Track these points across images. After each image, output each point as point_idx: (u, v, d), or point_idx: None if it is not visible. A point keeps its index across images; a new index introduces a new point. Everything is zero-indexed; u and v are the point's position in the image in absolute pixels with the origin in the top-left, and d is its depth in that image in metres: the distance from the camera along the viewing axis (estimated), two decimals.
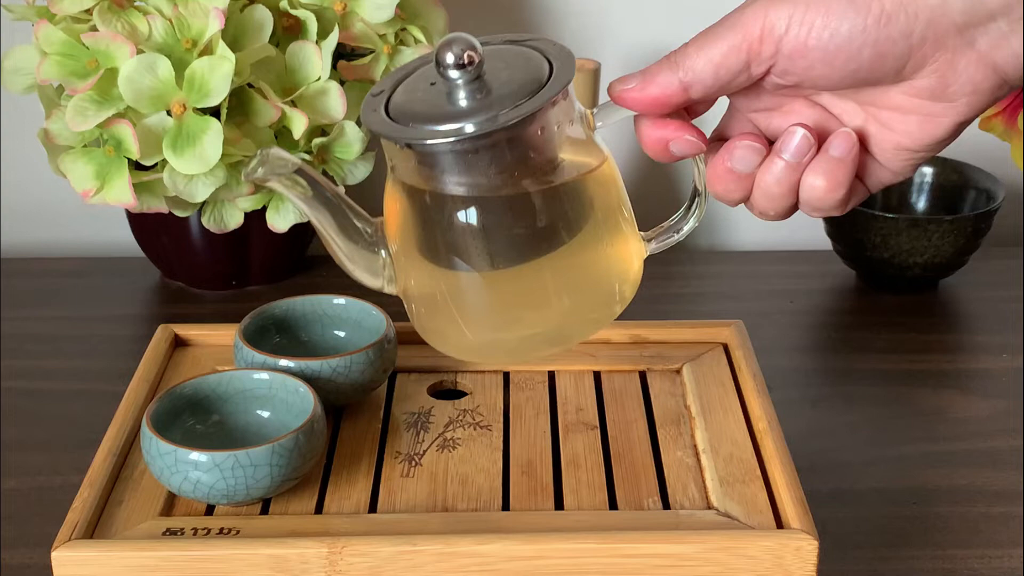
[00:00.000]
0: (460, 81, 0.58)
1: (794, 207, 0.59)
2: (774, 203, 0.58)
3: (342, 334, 0.75)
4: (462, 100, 0.58)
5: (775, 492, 0.65)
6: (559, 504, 0.65)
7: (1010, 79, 0.53)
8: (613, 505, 0.65)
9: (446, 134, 0.57)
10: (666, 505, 0.65)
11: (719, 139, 0.60)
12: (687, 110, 0.59)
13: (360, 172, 0.95)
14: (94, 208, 0.92)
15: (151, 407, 0.65)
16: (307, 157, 0.91)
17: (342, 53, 0.94)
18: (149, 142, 0.87)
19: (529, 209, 0.60)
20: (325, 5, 0.91)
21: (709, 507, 0.64)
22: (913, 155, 0.57)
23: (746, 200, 0.60)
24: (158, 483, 0.64)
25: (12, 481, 0.78)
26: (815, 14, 0.52)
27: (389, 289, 0.65)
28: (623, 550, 0.60)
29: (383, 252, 0.64)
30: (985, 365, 0.93)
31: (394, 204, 0.62)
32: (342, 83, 0.92)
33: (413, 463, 0.68)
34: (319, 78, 0.90)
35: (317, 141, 0.91)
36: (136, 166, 0.89)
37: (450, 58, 0.57)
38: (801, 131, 0.56)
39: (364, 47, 0.93)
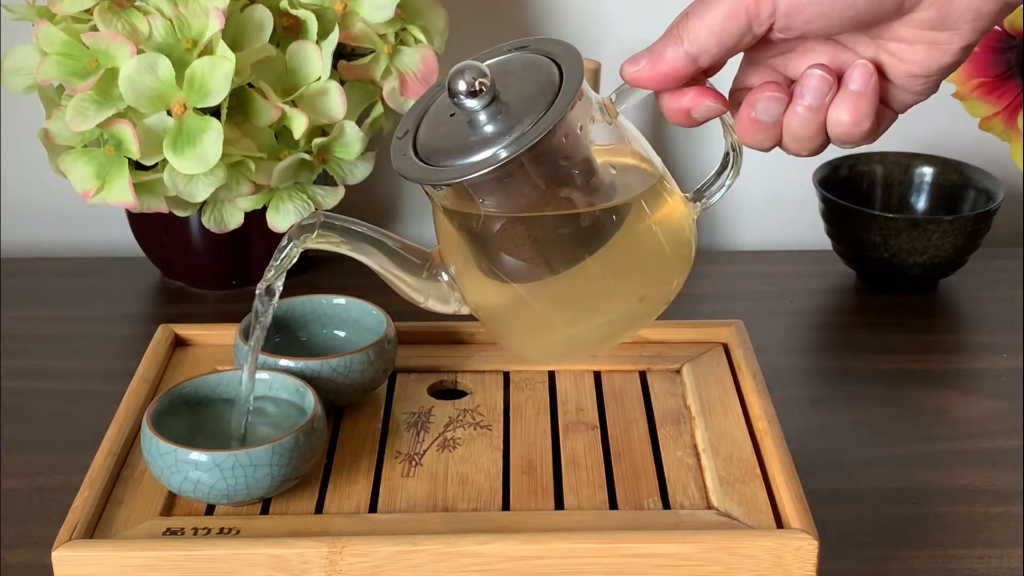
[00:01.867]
0: (477, 108, 0.58)
1: (826, 143, 0.59)
2: (804, 144, 0.59)
3: (342, 334, 0.75)
4: (484, 126, 0.58)
5: (775, 492, 0.65)
6: (559, 504, 0.65)
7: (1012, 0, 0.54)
8: (613, 505, 0.65)
9: (476, 168, 0.58)
10: (666, 505, 0.65)
11: (742, 89, 0.60)
12: (703, 72, 0.59)
13: (360, 172, 0.95)
14: (94, 208, 0.92)
15: (151, 407, 0.65)
16: (307, 157, 0.91)
17: (342, 53, 0.94)
18: (149, 142, 0.87)
19: (574, 212, 0.61)
20: (325, 5, 0.91)
21: (709, 507, 0.64)
22: (927, 79, 0.57)
23: (778, 144, 0.60)
24: (158, 483, 0.64)
25: (12, 481, 0.78)
26: None
27: (464, 311, 0.66)
28: (623, 550, 0.60)
29: (444, 277, 0.65)
30: (985, 365, 0.93)
31: (444, 232, 0.64)
32: (342, 83, 0.92)
33: (413, 463, 0.68)
34: (319, 78, 0.90)
35: (317, 141, 0.91)
36: (136, 166, 0.89)
37: (462, 87, 0.58)
38: (818, 72, 0.57)
39: (364, 47, 0.93)
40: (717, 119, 0.62)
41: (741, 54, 0.60)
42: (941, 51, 0.56)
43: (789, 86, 0.59)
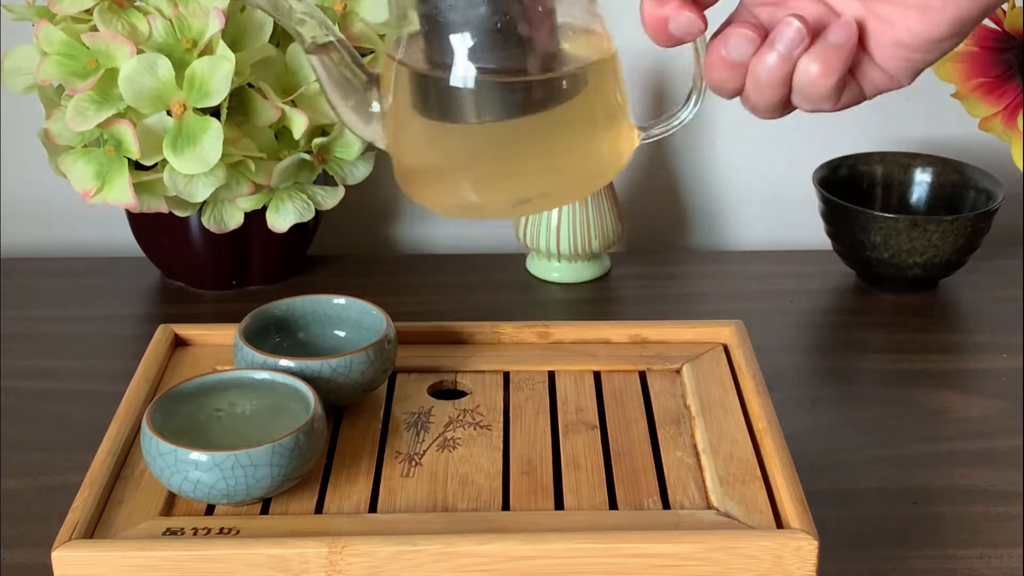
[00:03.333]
0: None
1: (785, 102, 0.58)
2: (764, 94, 0.58)
3: (342, 334, 0.75)
4: None
5: (775, 492, 0.65)
6: (559, 504, 0.65)
7: None
8: (613, 505, 0.65)
9: None
10: (666, 505, 0.65)
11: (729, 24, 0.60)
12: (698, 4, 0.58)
13: (360, 172, 0.95)
14: (94, 208, 0.92)
15: (151, 407, 0.65)
16: (307, 157, 0.91)
17: None
18: (149, 142, 0.87)
19: (521, 63, 0.60)
20: (325, 5, 0.91)
21: (709, 507, 0.64)
22: (911, 55, 0.56)
23: (740, 93, 0.59)
24: (158, 483, 0.64)
25: (12, 481, 0.78)
26: None
27: (380, 143, 0.65)
28: (623, 550, 0.60)
29: (375, 104, 0.64)
30: (985, 365, 0.93)
31: (389, 59, 0.62)
32: None
33: (413, 463, 0.68)
34: None
35: (317, 141, 0.91)
36: (136, 166, 0.89)
37: None
38: (795, 23, 0.56)
39: (364, 47, 0.93)
40: (691, 54, 0.61)
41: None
42: (934, 18, 0.54)
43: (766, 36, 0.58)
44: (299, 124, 0.89)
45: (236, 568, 0.60)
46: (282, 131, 0.91)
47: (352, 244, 1.12)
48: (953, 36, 0.55)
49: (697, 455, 0.68)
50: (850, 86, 0.58)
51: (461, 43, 0.59)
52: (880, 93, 0.58)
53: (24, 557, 0.71)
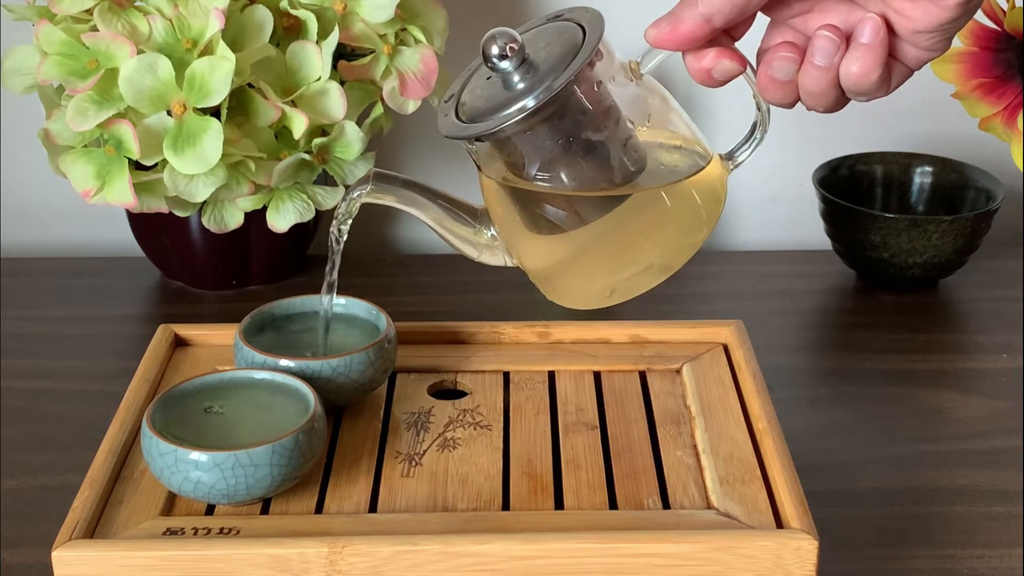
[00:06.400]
0: (509, 69, 0.63)
1: (841, 97, 0.62)
2: (819, 99, 0.62)
3: (342, 334, 0.75)
4: (516, 85, 0.62)
5: (775, 492, 0.65)
6: (559, 504, 0.65)
7: None
8: (613, 505, 0.65)
9: (501, 121, 0.62)
10: (666, 505, 0.65)
11: (766, 49, 0.63)
12: (729, 36, 0.63)
13: (360, 172, 0.95)
14: (94, 208, 0.92)
15: (151, 407, 0.65)
16: (307, 157, 0.91)
17: (342, 53, 0.94)
18: (149, 142, 0.87)
19: (603, 162, 0.64)
20: (325, 5, 0.91)
21: (709, 507, 0.64)
22: (931, 35, 0.60)
23: (799, 101, 0.63)
24: (158, 483, 0.64)
25: (12, 481, 0.78)
26: None
27: (511, 263, 0.70)
28: (623, 550, 0.60)
29: (490, 232, 0.69)
30: (985, 365, 0.93)
31: (486, 189, 0.67)
32: (342, 83, 0.92)
33: (413, 463, 0.68)
34: (319, 78, 0.90)
35: (317, 141, 0.91)
36: (136, 166, 0.89)
37: (494, 51, 0.62)
38: (828, 34, 0.60)
39: (364, 47, 0.93)
40: (744, 81, 0.64)
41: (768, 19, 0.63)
42: (939, 7, 0.58)
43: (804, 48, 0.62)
44: (299, 124, 0.89)
45: (236, 568, 0.60)
46: (282, 131, 0.91)
47: (352, 244, 1.12)
48: (962, 14, 0.59)
49: (697, 455, 0.68)
50: (896, 69, 0.62)
51: (560, 161, 0.63)
52: (924, 64, 0.62)
53: (24, 557, 0.71)
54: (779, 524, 0.63)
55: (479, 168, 0.66)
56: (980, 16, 0.95)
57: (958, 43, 0.96)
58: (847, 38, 0.60)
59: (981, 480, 0.79)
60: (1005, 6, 0.94)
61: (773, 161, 1.13)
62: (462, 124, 0.64)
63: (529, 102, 0.61)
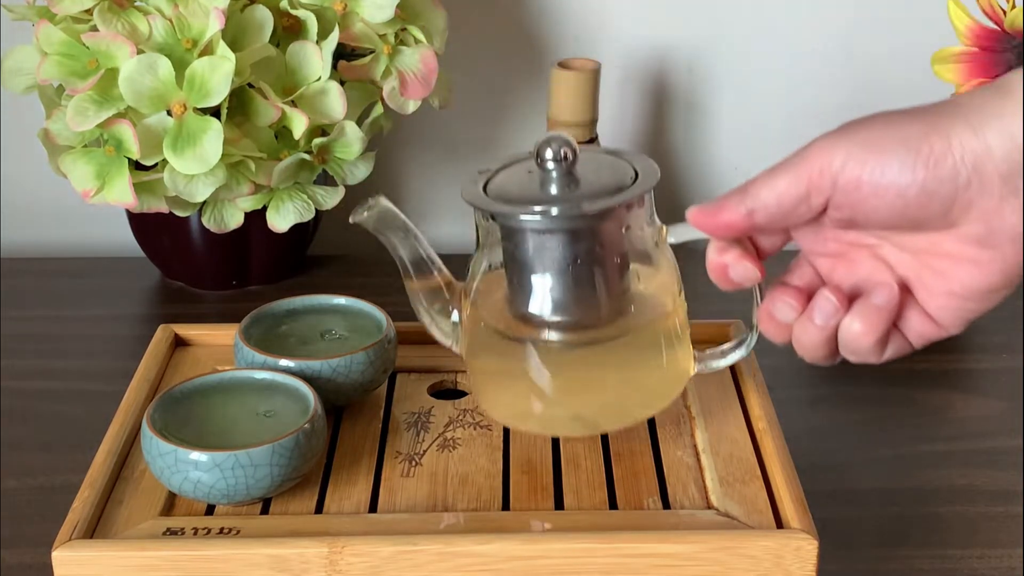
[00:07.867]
0: (553, 172, 0.64)
1: (832, 353, 0.63)
2: (809, 352, 0.63)
3: (342, 334, 0.75)
4: (550, 188, 0.64)
5: (775, 492, 0.65)
6: (559, 504, 0.65)
7: None
8: (613, 505, 0.65)
9: (516, 213, 0.63)
10: (666, 505, 0.65)
11: (783, 283, 0.64)
12: (759, 250, 0.63)
13: (360, 172, 0.95)
14: (94, 208, 0.92)
15: (151, 407, 0.65)
16: (307, 157, 0.91)
17: (342, 53, 0.94)
18: (149, 142, 0.87)
19: (592, 298, 0.65)
20: (325, 5, 0.91)
21: (709, 507, 0.64)
22: (963, 304, 0.60)
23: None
24: (158, 483, 0.64)
25: (12, 481, 0.78)
26: (869, 153, 0.56)
27: (456, 349, 0.70)
28: (623, 550, 0.60)
29: (455, 314, 0.69)
30: (985, 365, 0.93)
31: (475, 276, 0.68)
32: (342, 83, 0.92)
33: (413, 463, 0.68)
34: (319, 78, 0.90)
35: (317, 141, 0.91)
36: (136, 166, 0.89)
37: (549, 153, 0.63)
38: (831, 298, 0.61)
39: (364, 47, 0.93)
40: (751, 296, 0.65)
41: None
42: (985, 270, 0.58)
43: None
44: (299, 124, 0.89)
45: (236, 568, 0.60)
46: (282, 131, 0.91)
47: (352, 244, 1.12)
48: (1004, 287, 0.59)
49: (697, 455, 0.68)
50: (894, 339, 0.62)
51: (556, 276, 0.64)
52: (928, 343, 0.63)
53: (24, 557, 0.71)
54: (779, 524, 0.63)
55: (477, 243, 0.67)
56: (980, 16, 0.95)
57: (958, 43, 0.96)
58: (852, 299, 0.60)
59: (981, 480, 0.79)
60: (1005, 6, 0.94)
61: (773, 161, 1.13)
62: (482, 194, 0.64)
63: (557, 208, 0.62)
